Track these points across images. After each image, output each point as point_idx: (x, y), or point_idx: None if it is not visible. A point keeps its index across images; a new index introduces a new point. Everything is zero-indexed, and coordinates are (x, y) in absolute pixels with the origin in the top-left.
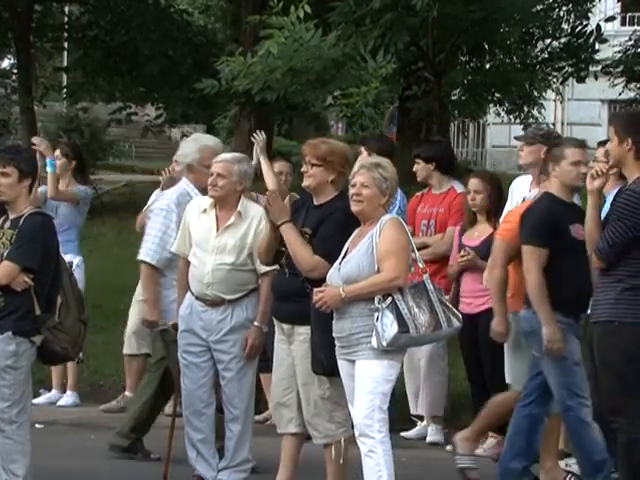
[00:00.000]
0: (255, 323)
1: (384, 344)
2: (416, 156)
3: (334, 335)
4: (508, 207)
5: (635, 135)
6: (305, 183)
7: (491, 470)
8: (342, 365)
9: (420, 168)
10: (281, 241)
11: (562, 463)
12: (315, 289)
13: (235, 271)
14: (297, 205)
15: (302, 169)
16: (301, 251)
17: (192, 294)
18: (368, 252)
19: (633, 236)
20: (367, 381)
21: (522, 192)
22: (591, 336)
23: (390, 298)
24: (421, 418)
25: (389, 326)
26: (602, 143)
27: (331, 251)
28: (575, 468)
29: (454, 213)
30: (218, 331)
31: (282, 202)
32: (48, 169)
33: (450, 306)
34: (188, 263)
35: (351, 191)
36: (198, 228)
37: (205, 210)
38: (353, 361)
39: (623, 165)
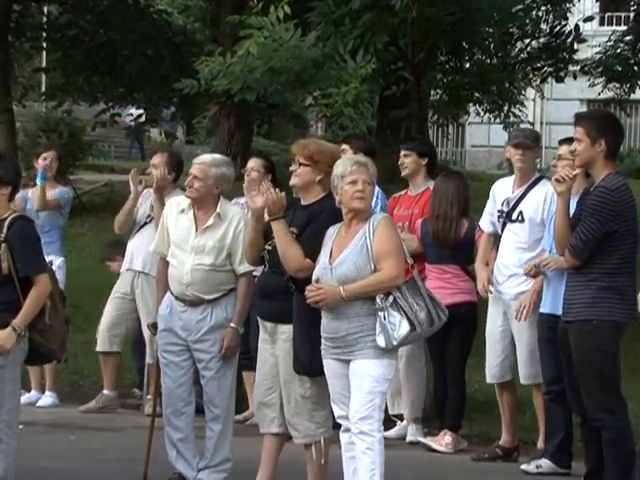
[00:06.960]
0: (231, 324)
1: (394, 343)
2: (409, 149)
3: (325, 335)
4: (490, 209)
5: (609, 136)
6: (292, 182)
7: (452, 467)
8: (330, 365)
9: (410, 161)
10: (266, 239)
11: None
12: (312, 286)
13: (214, 272)
14: (286, 207)
15: (290, 168)
16: (291, 250)
17: (172, 294)
18: (363, 251)
19: (606, 232)
20: (368, 380)
21: (504, 194)
22: (563, 336)
23: (392, 297)
24: (400, 418)
25: (398, 325)
26: (564, 141)
27: (318, 252)
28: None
29: (426, 212)
30: (197, 331)
31: (281, 196)
32: (38, 181)
33: (438, 300)
34: (167, 263)
35: (351, 188)
36: (176, 228)
37: (183, 210)
38: (346, 361)
39: (592, 165)
